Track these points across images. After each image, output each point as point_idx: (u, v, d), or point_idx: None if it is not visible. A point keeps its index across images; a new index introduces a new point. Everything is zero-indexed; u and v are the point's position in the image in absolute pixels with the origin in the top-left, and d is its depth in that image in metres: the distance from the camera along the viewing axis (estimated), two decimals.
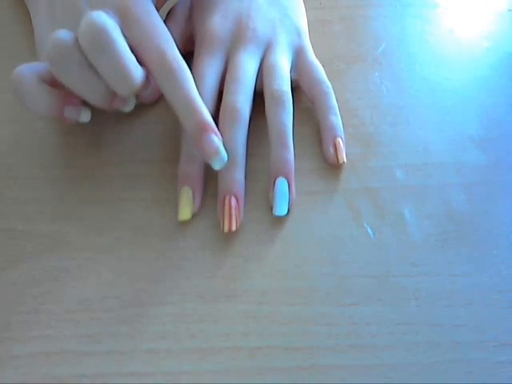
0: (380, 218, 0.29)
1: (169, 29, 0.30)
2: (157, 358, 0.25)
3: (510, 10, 0.39)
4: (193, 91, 0.27)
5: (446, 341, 0.25)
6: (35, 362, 0.25)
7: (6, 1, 0.39)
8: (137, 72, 0.26)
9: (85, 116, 0.29)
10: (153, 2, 0.30)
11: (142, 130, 0.33)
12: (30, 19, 0.33)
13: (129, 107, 0.29)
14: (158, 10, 0.29)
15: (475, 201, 0.30)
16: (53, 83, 0.27)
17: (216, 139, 0.27)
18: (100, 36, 0.25)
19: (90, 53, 0.26)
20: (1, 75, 0.35)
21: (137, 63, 0.27)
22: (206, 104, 0.30)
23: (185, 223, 0.29)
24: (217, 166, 0.28)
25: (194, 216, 0.29)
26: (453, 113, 0.33)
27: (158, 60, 0.27)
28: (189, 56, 0.33)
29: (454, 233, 0.29)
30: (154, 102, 0.33)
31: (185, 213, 0.29)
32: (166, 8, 0.34)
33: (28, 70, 0.27)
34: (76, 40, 0.26)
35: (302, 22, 0.35)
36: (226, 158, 0.28)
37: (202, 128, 0.27)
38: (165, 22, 0.34)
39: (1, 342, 0.26)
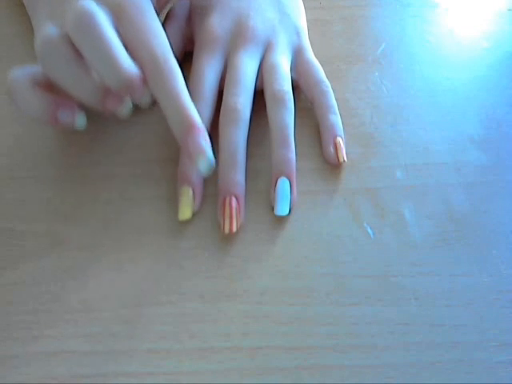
0: (380, 217, 0.29)
1: (169, 29, 0.30)
2: (157, 358, 0.25)
3: (509, 10, 0.39)
4: (181, 92, 0.26)
5: (446, 341, 0.25)
6: (35, 361, 0.25)
7: (5, 1, 0.39)
8: (125, 61, 0.25)
9: (80, 121, 0.28)
10: (152, 3, 0.29)
11: (142, 131, 0.33)
12: (29, 19, 0.33)
13: (124, 110, 0.28)
14: (158, 11, 0.29)
15: (475, 201, 0.30)
16: (48, 88, 0.27)
17: (203, 140, 0.26)
18: (86, 19, 0.25)
19: (75, 37, 0.25)
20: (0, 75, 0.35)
21: (126, 54, 0.26)
22: (206, 104, 0.30)
23: (185, 223, 0.29)
24: (203, 169, 0.26)
25: (194, 215, 0.29)
26: (453, 113, 0.33)
27: (149, 60, 0.26)
28: (189, 56, 0.33)
29: (454, 233, 0.29)
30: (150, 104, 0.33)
31: (185, 212, 0.29)
32: (164, 9, 0.34)
33: (22, 73, 0.27)
34: (63, 33, 0.25)
35: (301, 22, 0.35)
36: (212, 161, 0.26)
37: (189, 128, 0.26)
38: (164, 22, 0.34)
39: (1, 341, 0.26)
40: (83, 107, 0.28)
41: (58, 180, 0.31)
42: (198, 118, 0.26)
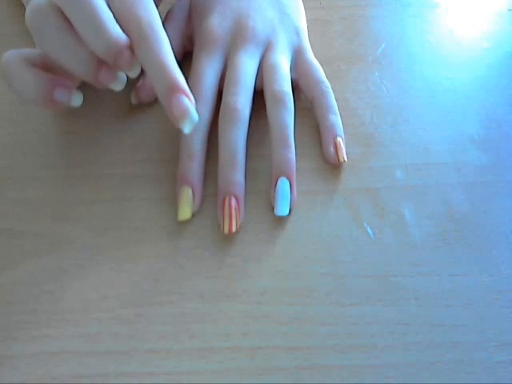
0: (380, 217, 0.29)
1: (169, 29, 0.30)
2: (157, 358, 0.25)
3: (510, 10, 0.39)
4: (165, 54, 0.26)
5: (446, 341, 0.25)
6: (35, 361, 0.25)
7: (6, 1, 0.39)
8: (114, 28, 0.25)
9: (77, 99, 0.27)
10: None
11: (142, 130, 0.33)
12: None
13: (118, 84, 0.27)
14: (157, 5, 0.29)
15: (475, 201, 0.30)
16: (43, 68, 0.26)
17: (186, 100, 0.25)
18: None
19: (63, 3, 0.25)
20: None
21: (115, 21, 0.25)
22: (205, 104, 0.30)
23: (185, 223, 0.29)
24: (186, 129, 0.26)
25: (193, 215, 0.29)
26: (453, 113, 0.33)
27: (135, 26, 0.25)
28: (189, 56, 0.33)
29: (454, 233, 0.29)
30: (152, 100, 0.33)
31: (184, 212, 0.29)
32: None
33: (16, 54, 0.26)
34: (52, 1, 0.25)
35: (301, 22, 0.35)
36: (196, 120, 0.26)
37: (173, 89, 0.25)
38: (163, 22, 0.34)
39: (1, 341, 0.26)
40: (79, 87, 0.27)
41: (58, 180, 0.31)
42: (182, 80, 0.26)
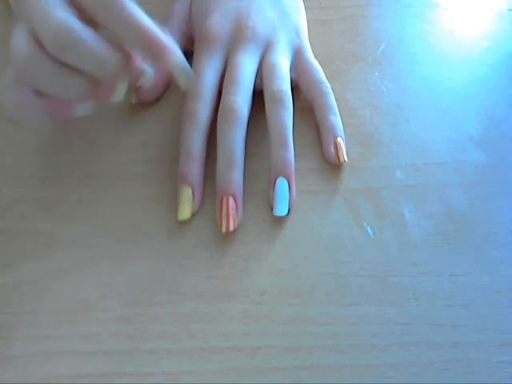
0: (380, 217, 0.29)
1: (169, 28, 0.30)
2: (157, 358, 0.25)
3: (510, 10, 0.39)
4: (132, 10, 0.25)
5: (446, 341, 0.25)
6: (35, 361, 0.25)
7: (5, 1, 0.39)
8: (113, 55, 0.25)
9: (82, 110, 0.28)
10: None
11: (142, 130, 0.33)
12: None
13: (119, 96, 0.27)
14: None
15: (475, 201, 0.30)
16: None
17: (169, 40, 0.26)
18: (67, 36, 0.24)
19: (61, 54, 0.25)
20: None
21: (111, 49, 0.25)
22: (206, 103, 0.30)
23: (185, 223, 0.29)
24: (182, 81, 0.27)
25: (193, 215, 0.29)
26: (453, 113, 0.33)
27: (102, 6, 0.25)
28: (189, 56, 0.33)
29: (454, 233, 0.29)
30: (153, 100, 0.33)
31: (184, 212, 0.29)
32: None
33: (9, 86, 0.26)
34: (36, 44, 0.25)
35: (302, 22, 0.35)
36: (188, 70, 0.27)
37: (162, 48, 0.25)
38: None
39: (1, 341, 0.26)
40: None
41: (58, 180, 0.31)
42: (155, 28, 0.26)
